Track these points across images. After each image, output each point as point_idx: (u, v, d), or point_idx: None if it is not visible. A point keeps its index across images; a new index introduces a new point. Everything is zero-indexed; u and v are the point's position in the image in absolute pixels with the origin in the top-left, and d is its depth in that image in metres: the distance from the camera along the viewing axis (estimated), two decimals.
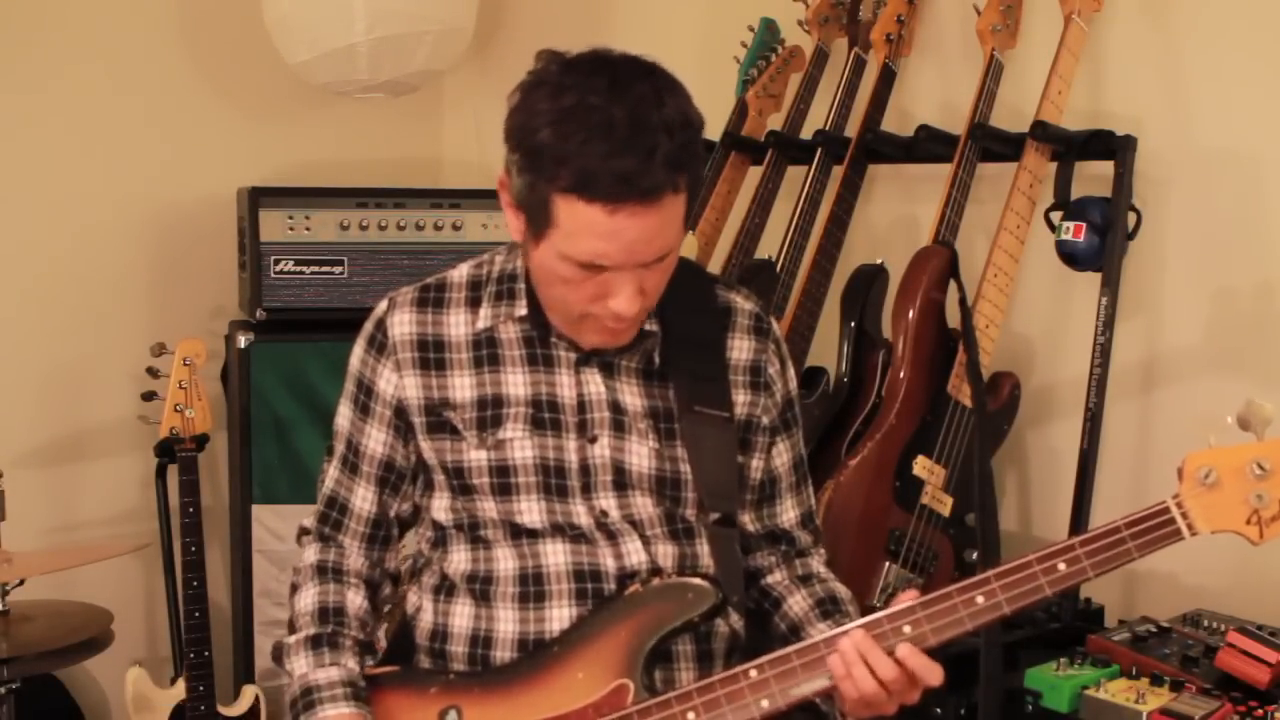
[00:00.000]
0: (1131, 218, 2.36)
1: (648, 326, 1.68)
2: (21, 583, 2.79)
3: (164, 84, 3.48)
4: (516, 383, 1.69)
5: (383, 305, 1.74)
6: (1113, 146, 2.37)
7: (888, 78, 2.71)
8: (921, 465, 2.33)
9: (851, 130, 2.73)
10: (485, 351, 1.69)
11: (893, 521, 2.31)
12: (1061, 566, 1.51)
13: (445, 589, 1.75)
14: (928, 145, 2.59)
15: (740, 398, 1.74)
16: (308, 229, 3.24)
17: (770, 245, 2.81)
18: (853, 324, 2.43)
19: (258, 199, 3.23)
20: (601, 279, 1.53)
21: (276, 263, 3.21)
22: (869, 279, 2.46)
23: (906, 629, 1.52)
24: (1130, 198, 2.36)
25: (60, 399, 3.39)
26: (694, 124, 1.52)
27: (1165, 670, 1.97)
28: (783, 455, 1.80)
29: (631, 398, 1.69)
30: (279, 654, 1.73)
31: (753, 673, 1.56)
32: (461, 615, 1.72)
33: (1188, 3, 2.39)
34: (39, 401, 3.36)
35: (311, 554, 1.79)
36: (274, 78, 3.43)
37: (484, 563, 1.71)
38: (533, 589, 1.68)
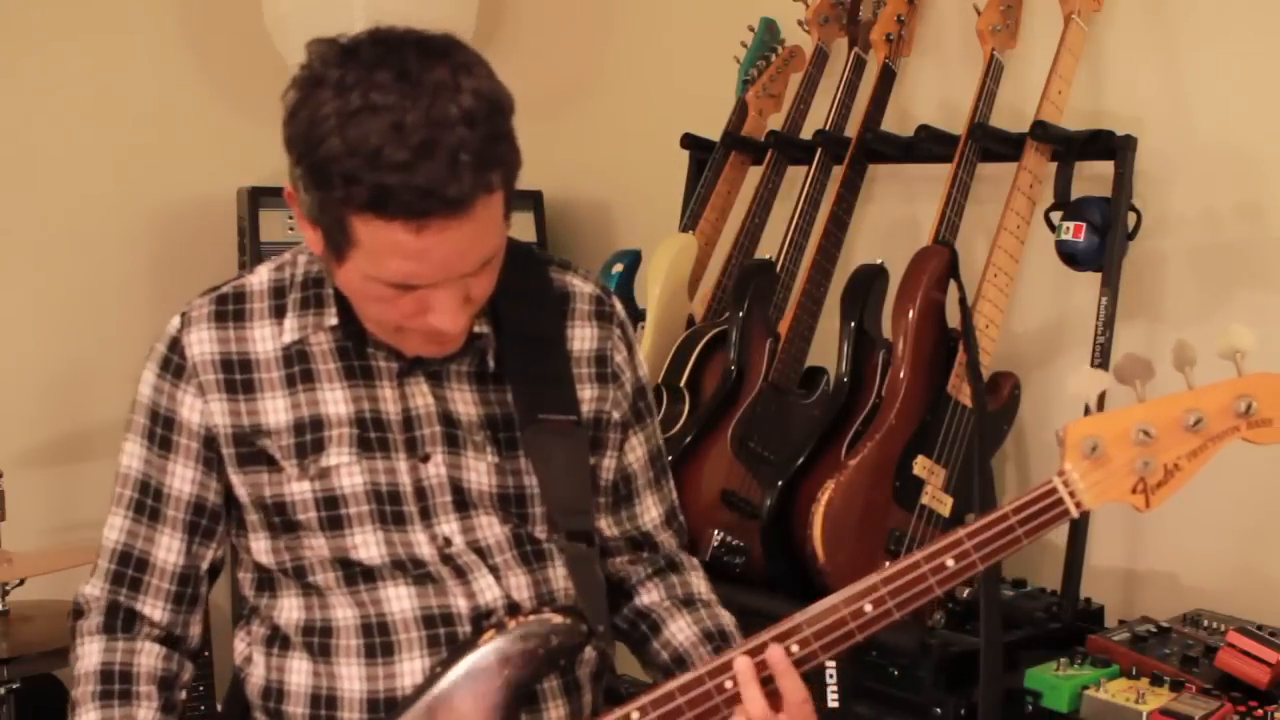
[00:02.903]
0: (1131, 218, 2.36)
1: (477, 328, 1.49)
2: (21, 583, 2.79)
3: (164, 84, 3.48)
4: (336, 400, 1.49)
5: (175, 322, 1.52)
6: (1113, 146, 2.37)
7: (888, 78, 2.71)
8: (921, 465, 2.33)
9: (851, 130, 2.73)
10: (297, 368, 1.50)
11: (893, 521, 2.31)
12: (950, 563, 1.41)
13: (278, 641, 1.55)
14: (928, 145, 2.59)
15: (586, 393, 1.57)
16: None
17: (770, 245, 2.81)
18: (853, 324, 2.42)
19: (258, 199, 3.24)
20: (418, 295, 1.36)
21: None
22: (869, 279, 2.46)
23: (795, 648, 1.42)
24: (1130, 197, 2.36)
25: (61, 399, 3.39)
26: (501, 106, 1.32)
27: (1165, 670, 1.97)
28: (636, 450, 1.64)
29: (465, 406, 1.52)
30: None
31: (634, 715, 1.43)
32: (299, 672, 1.53)
33: (1187, 2, 2.39)
34: (40, 401, 3.36)
35: (93, 655, 1.53)
36: (274, 78, 3.41)
37: (319, 611, 1.52)
38: (379, 640, 1.49)
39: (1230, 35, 2.34)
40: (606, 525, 1.66)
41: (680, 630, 1.62)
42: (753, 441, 2.52)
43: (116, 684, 1.52)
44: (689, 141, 3.08)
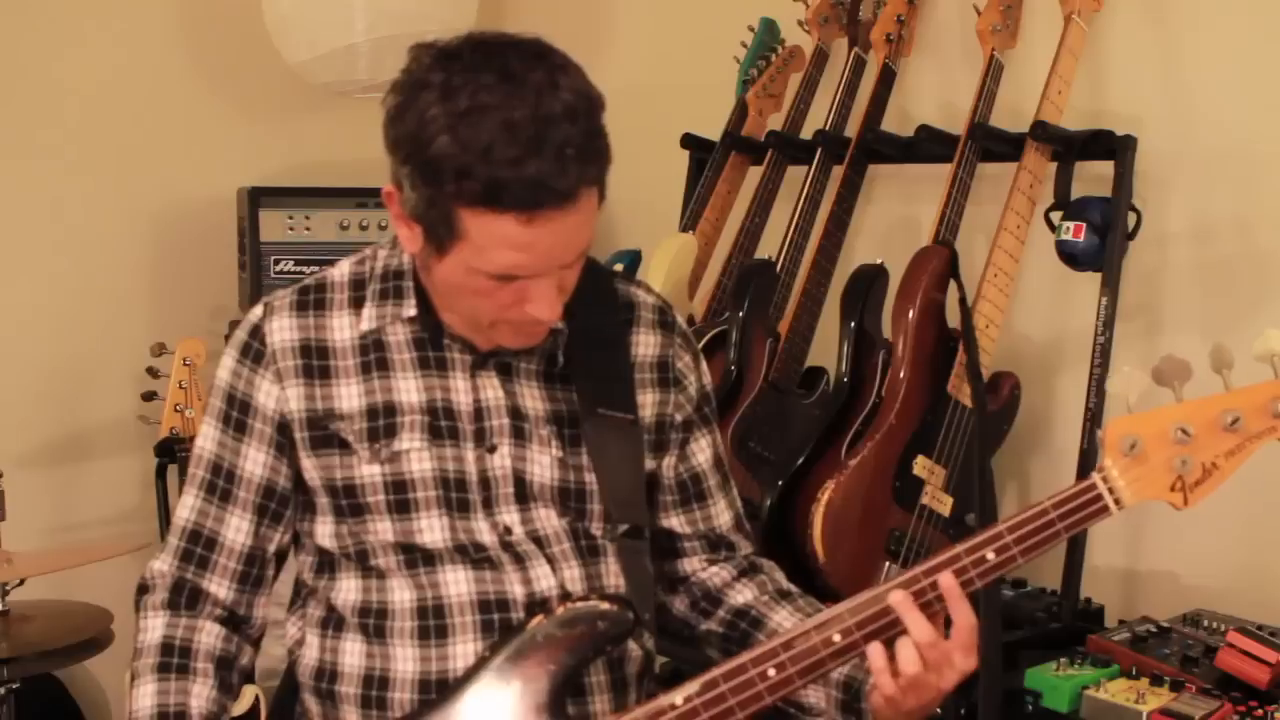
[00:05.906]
0: (1131, 218, 2.36)
1: (555, 324, 1.55)
2: (21, 583, 2.79)
3: (164, 84, 3.48)
4: (409, 389, 1.54)
5: (258, 310, 1.59)
6: (1113, 146, 2.37)
7: (888, 78, 2.71)
8: (921, 465, 2.33)
9: (851, 130, 2.73)
10: (373, 356, 1.55)
11: (893, 521, 2.31)
12: (990, 555, 1.42)
13: (333, 622, 1.58)
14: (928, 145, 2.59)
15: (649, 398, 1.63)
16: (308, 229, 3.25)
17: (770, 245, 2.81)
18: (853, 324, 2.43)
19: (258, 199, 3.25)
20: (517, 285, 1.42)
21: (276, 263, 3.22)
22: (869, 279, 2.46)
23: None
24: (1130, 198, 2.36)
25: (60, 399, 3.39)
26: (596, 104, 1.42)
27: (1165, 670, 1.97)
28: (705, 451, 1.69)
29: (532, 402, 1.57)
30: None
31: (678, 700, 1.44)
32: (352, 653, 1.56)
33: (1188, 2, 2.39)
34: (39, 401, 3.36)
35: (156, 629, 1.58)
36: (274, 78, 3.43)
37: (376, 593, 1.55)
38: (433, 623, 1.53)
39: (1230, 35, 2.34)
40: (679, 524, 1.69)
41: (786, 619, 1.62)
42: (753, 441, 2.52)
43: (175, 658, 1.56)
44: (689, 141, 3.08)
